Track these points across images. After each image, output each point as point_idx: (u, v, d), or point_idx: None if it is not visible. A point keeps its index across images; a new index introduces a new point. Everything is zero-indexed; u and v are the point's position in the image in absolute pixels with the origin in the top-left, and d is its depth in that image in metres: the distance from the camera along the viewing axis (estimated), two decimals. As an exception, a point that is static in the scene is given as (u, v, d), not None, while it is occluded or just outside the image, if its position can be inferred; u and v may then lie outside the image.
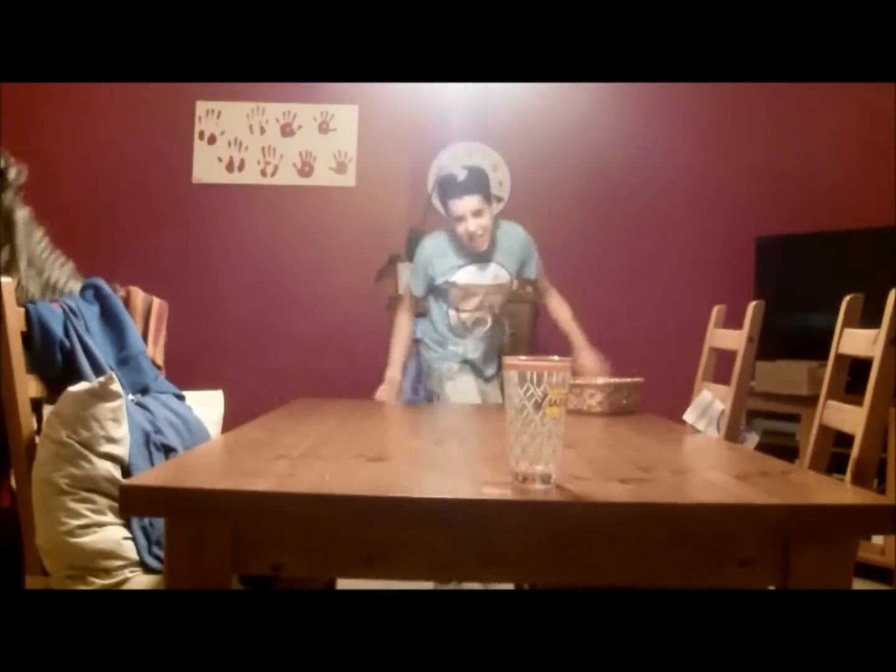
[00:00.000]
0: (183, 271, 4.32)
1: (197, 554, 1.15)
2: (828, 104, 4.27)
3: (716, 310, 2.52)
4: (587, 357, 2.96)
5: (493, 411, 2.56)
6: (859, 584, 1.21)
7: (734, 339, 2.27)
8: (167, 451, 1.82)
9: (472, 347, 3.14)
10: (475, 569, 1.19)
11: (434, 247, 3.09)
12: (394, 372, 3.03)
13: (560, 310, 3.19)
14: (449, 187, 3.00)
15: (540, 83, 4.23)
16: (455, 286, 3.02)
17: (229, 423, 2.06)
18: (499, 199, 3.29)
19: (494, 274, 3.06)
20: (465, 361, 3.16)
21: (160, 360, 2.33)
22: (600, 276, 4.39)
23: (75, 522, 1.56)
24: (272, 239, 4.38)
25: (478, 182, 2.98)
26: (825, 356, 1.87)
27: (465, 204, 2.92)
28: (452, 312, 3.09)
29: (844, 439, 1.71)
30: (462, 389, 3.12)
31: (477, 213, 2.93)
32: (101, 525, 1.58)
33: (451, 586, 2.67)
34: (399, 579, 1.23)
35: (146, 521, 1.64)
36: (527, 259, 3.14)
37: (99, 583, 1.57)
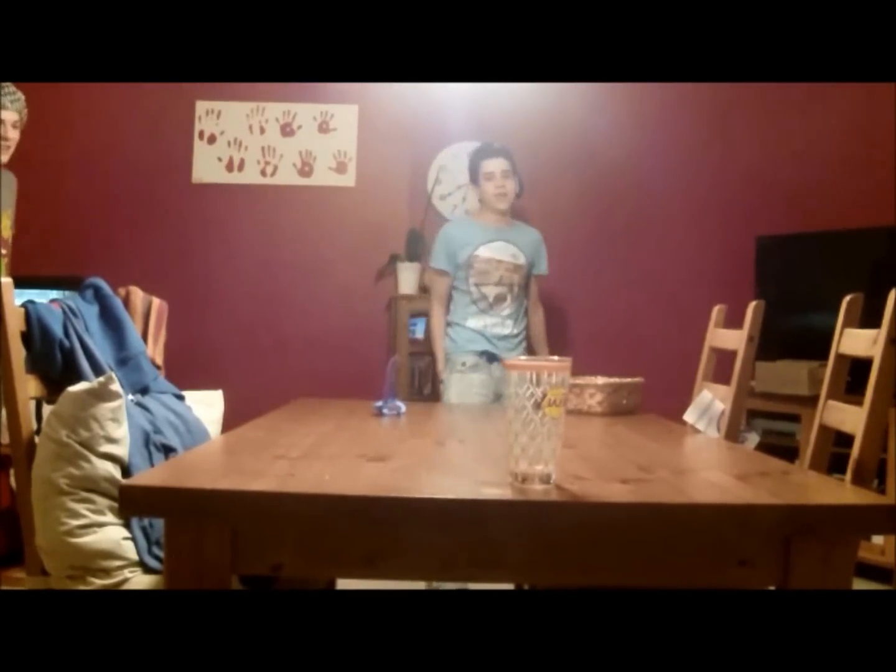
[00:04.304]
0: (183, 271, 4.32)
1: (197, 554, 1.15)
2: (827, 104, 4.27)
3: (716, 310, 2.52)
4: None
5: (493, 411, 2.56)
6: (859, 584, 1.21)
7: (734, 339, 2.27)
8: (167, 451, 1.82)
9: (492, 323, 3.26)
10: (475, 569, 1.19)
11: (455, 226, 3.45)
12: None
13: (539, 325, 3.51)
14: (484, 150, 3.40)
15: (540, 83, 4.23)
16: (478, 259, 3.26)
17: (229, 423, 2.06)
18: (521, 185, 3.49)
19: (512, 253, 3.31)
20: (482, 353, 3.20)
21: (160, 360, 2.33)
22: (600, 275, 4.38)
23: (75, 522, 1.56)
24: (272, 239, 4.38)
25: (510, 154, 3.37)
26: (825, 356, 1.87)
27: (498, 163, 3.31)
28: (474, 289, 3.26)
29: (844, 439, 1.71)
30: (467, 385, 3.17)
31: (505, 175, 3.30)
32: (100, 525, 1.58)
33: (434, 586, 2.69)
34: (399, 579, 1.23)
35: (146, 521, 1.64)
36: (538, 255, 3.44)
37: (99, 583, 1.57)
